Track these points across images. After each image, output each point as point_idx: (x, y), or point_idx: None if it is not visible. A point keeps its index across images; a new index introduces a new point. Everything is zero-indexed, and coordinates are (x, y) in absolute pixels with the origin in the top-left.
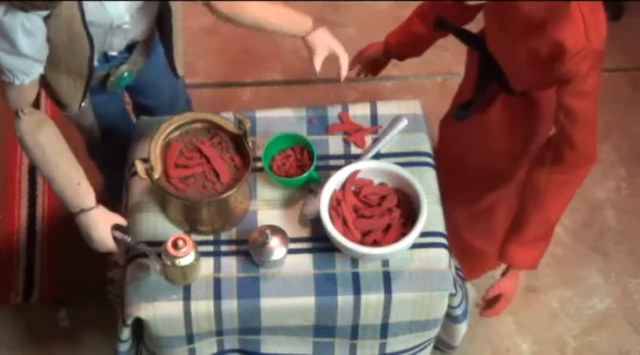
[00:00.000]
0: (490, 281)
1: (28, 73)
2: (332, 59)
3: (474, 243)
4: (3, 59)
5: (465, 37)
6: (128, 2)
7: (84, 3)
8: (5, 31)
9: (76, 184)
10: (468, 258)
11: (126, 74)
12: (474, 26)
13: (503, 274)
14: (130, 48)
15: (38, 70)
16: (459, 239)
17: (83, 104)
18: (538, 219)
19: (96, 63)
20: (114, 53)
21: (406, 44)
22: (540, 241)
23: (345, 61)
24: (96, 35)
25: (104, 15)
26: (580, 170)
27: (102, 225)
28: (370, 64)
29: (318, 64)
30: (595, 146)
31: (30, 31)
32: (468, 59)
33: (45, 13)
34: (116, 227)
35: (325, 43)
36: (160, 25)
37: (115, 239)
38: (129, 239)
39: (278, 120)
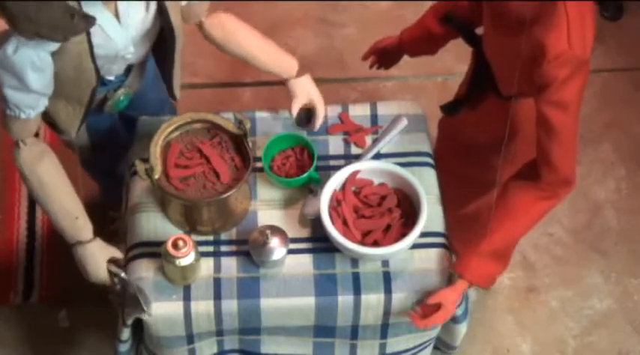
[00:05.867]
0: None
1: (35, 106)
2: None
3: (458, 248)
4: (10, 95)
5: (466, 34)
6: (133, 32)
7: (92, 36)
8: (15, 68)
9: (74, 218)
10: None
11: (122, 98)
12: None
13: (450, 283)
14: (126, 70)
15: (44, 103)
16: None
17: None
18: (502, 233)
19: None
20: (111, 77)
21: (418, 40)
22: (498, 258)
23: (321, 111)
24: (99, 65)
25: (111, 47)
26: (555, 192)
27: (97, 257)
28: (384, 56)
29: (295, 110)
30: (573, 170)
31: (39, 68)
32: (470, 59)
33: (55, 48)
34: (112, 260)
35: (306, 91)
36: (159, 50)
37: (110, 272)
38: (123, 274)
39: (278, 120)
